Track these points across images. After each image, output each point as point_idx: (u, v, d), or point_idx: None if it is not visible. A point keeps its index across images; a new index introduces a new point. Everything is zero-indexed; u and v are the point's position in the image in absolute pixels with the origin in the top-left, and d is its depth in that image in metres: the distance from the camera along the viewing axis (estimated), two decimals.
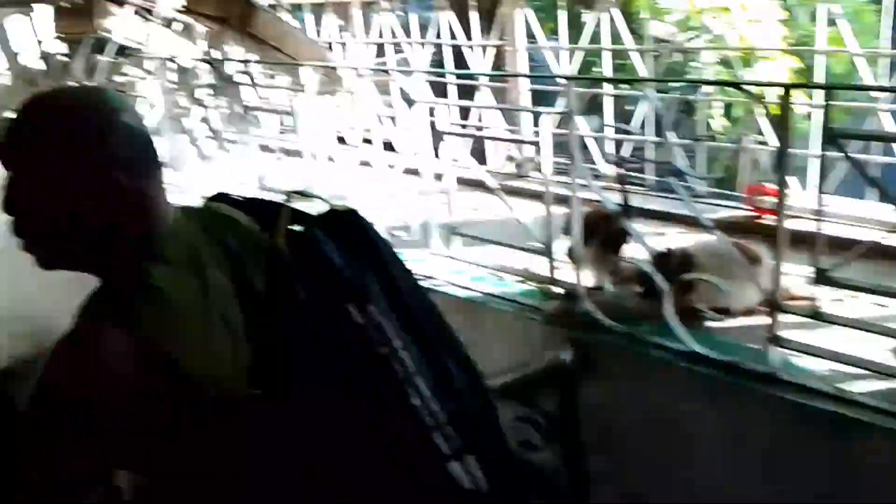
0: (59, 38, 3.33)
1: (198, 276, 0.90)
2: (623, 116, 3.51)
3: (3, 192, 0.87)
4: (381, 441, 0.97)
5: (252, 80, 2.61)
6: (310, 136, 2.36)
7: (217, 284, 0.91)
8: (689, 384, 1.71)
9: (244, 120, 2.59)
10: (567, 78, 1.75)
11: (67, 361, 0.85)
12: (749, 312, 1.83)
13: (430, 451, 0.95)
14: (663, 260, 1.85)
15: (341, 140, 2.45)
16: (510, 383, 1.98)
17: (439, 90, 4.03)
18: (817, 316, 1.63)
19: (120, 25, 2.93)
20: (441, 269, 2.26)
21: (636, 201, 1.94)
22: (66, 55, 3.26)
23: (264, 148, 2.69)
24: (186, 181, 3.00)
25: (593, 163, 2.98)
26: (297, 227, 0.98)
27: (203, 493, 0.94)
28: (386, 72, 2.21)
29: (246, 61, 2.86)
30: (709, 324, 1.79)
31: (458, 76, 3.40)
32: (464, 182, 2.28)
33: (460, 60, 3.66)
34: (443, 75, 3.26)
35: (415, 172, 2.25)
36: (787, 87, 1.69)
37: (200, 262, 0.91)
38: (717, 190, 3.09)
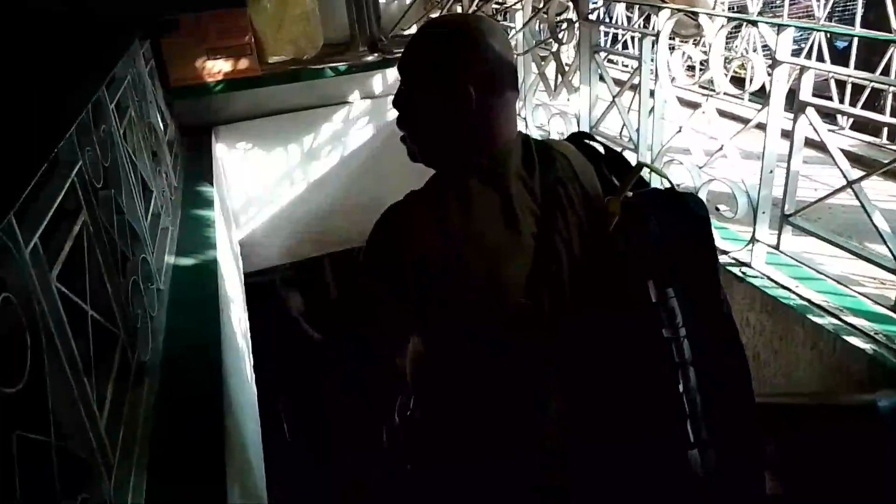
0: None
1: (499, 192, 1.06)
2: None
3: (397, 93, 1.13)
4: (633, 412, 1.05)
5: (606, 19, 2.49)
6: (651, 85, 2.23)
7: (509, 204, 1.06)
8: None
9: (592, 60, 2.55)
10: None
11: (382, 221, 1.09)
12: None
13: (676, 435, 1.01)
14: None
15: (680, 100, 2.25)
16: (806, 408, 1.70)
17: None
18: None
19: None
20: (761, 257, 1.99)
21: None
22: None
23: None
24: (527, 113, 3.14)
25: None
26: (631, 195, 1.07)
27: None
28: (753, 22, 1.91)
29: None
30: None
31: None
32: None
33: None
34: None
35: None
36: None
37: (505, 183, 1.07)
38: None
